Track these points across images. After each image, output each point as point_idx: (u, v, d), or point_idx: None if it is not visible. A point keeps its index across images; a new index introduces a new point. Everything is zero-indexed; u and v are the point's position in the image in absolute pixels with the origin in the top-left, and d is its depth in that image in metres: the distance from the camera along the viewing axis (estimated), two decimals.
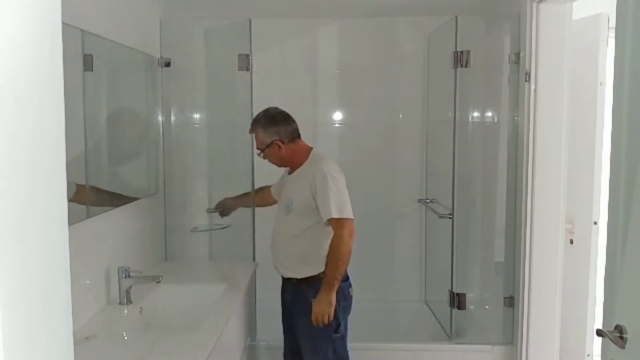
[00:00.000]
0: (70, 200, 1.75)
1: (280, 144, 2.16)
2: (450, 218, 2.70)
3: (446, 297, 2.75)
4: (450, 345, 2.69)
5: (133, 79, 2.47)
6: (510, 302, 2.63)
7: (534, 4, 2.35)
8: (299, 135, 2.22)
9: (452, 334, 2.72)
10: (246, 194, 2.60)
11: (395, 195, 3.28)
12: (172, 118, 2.78)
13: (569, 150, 2.42)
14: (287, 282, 2.26)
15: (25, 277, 0.59)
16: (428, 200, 3.15)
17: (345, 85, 3.20)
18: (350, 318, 2.23)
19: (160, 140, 2.65)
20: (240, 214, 2.66)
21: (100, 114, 2.07)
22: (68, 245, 0.68)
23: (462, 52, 2.61)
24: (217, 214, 2.63)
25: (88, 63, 1.89)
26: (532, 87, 2.39)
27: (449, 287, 2.72)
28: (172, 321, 2.05)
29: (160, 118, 2.64)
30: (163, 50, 2.65)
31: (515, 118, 2.57)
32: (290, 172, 2.27)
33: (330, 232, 2.14)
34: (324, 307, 2.05)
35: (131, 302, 1.97)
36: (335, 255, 2.06)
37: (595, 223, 2.50)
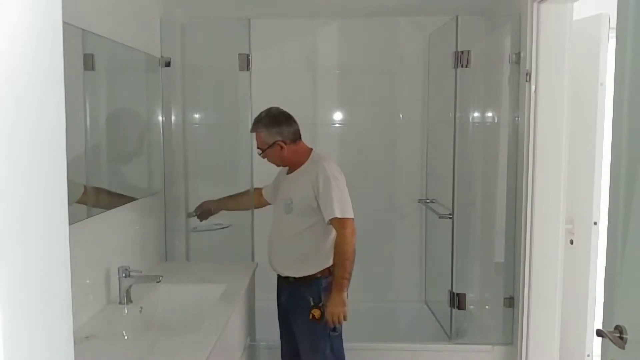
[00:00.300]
0: (77, 202, 1.76)
1: (282, 144, 2.16)
2: (450, 218, 2.70)
3: (446, 297, 2.75)
4: (450, 346, 2.69)
5: (134, 78, 2.47)
6: (510, 302, 2.63)
7: (535, 4, 2.35)
8: (300, 136, 2.23)
9: (452, 334, 2.72)
10: (230, 197, 2.57)
11: (395, 195, 3.28)
12: (173, 118, 2.78)
13: (569, 151, 2.42)
14: (283, 281, 2.27)
15: (25, 277, 0.59)
16: (428, 201, 3.15)
17: (346, 85, 3.20)
18: (348, 317, 2.23)
19: (161, 140, 2.65)
20: (240, 214, 2.66)
21: (101, 113, 2.07)
22: (68, 244, 0.68)
23: (462, 52, 2.61)
24: (217, 214, 2.62)
25: (89, 63, 1.89)
26: (533, 87, 2.39)
27: (449, 287, 2.72)
28: (172, 321, 2.05)
29: (160, 118, 2.64)
30: (163, 50, 2.65)
31: (516, 118, 2.57)
32: (289, 172, 2.28)
33: (329, 232, 2.15)
34: (338, 308, 2.08)
35: (131, 301, 1.97)
36: (341, 255, 2.08)
37: (595, 223, 2.50)
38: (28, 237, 0.60)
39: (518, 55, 2.51)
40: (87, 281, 1.86)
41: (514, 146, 2.59)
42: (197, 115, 2.96)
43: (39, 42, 0.63)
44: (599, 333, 1.31)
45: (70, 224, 0.69)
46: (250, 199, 2.55)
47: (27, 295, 0.60)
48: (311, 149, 2.26)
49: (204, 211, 2.55)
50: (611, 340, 1.26)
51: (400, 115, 3.23)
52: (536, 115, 2.39)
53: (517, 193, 2.54)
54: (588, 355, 2.57)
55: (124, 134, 2.35)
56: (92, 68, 1.93)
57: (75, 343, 0.71)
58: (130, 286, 1.97)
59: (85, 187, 1.85)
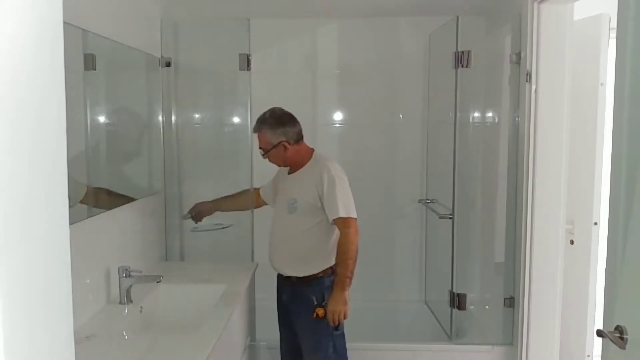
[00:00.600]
0: (80, 202, 1.76)
1: (286, 144, 2.16)
2: (450, 218, 2.70)
3: (446, 298, 2.75)
4: (451, 346, 2.69)
5: (134, 78, 2.47)
6: (511, 302, 2.63)
7: (535, 4, 2.35)
8: (302, 137, 2.23)
9: (452, 334, 2.72)
10: (225, 198, 2.56)
11: (395, 195, 3.28)
12: (173, 118, 2.78)
13: (570, 151, 2.42)
14: (285, 280, 2.27)
15: (26, 277, 0.59)
16: (428, 201, 3.15)
17: (346, 85, 3.21)
18: (349, 317, 2.23)
19: (161, 139, 2.65)
20: (241, 214, 2.66)
21: (102, 113, 2.07)
22: (69, 244, 0.68)
23: (462, 52, 2.61)
24: (216, 214, 2.62)
25: (89, 63, 1.90)
26: (533, 87, 2.39)
27: (449, 288, 2.72)
28: (172, 321, 2.05)
29: (160, 118, 2.64)
30: (164, 50, 2.65)
31: (516, 118, 2.57)
32: (290, 172, 2.28)
33: (332, 231, 2.15)
34: (339, 306, 2.10)
35: (131, 301, 1.97)
36: (344, 254, 2.09)
37: (595, 224, 2.50)
38: (28, 237, 0.60)
39: (518, 55, 2.50)
40: (88, 281, 1.86)
41: (514, 146, 2.59)
42: (197, 115, 2.96)
43: (39, 42, 0.63)
44: (599, 333, 1.31)
45: (70, 223, 0.69)
46: (246, 199, 2.54)
47: (28, 295, 0.60)
48: (313, 149, 2.26)
49: (198, 212, 2.54)
50: (611, 341, 1.26)
51: (401, 116, 3.23)
52: (536, 115, 2.39)
53: (518, 193, 2.54)
54: (588, 356, 2.57)
55: (125, 133, 2.35)
56: (93, 68, 1.93)
57: (75, 343, 0.71)
58: (130, 286, 1.97)
59: (87, 187, 1.85)
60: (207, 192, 2.68)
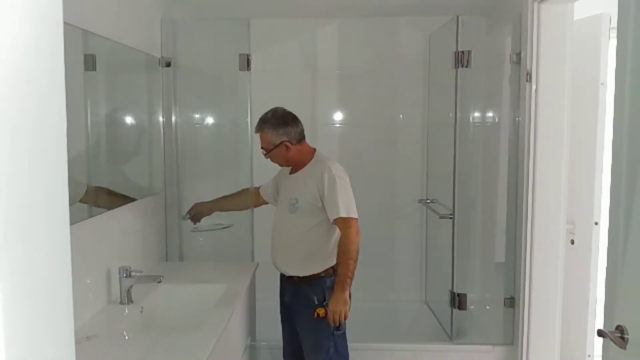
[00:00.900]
0: (80, 201, 1.76)
1: (289, 144, 2.16)
2: (450, 218, 2.70)
3: (447, 298, 2.75)
4: (451, 346, 2.69)
5: (134, 79, 2.47)
6: (511, 302, 2.63)
7: (535, 4, 2.35)
8: (304, 137, 2.23)
9: (453, 334, 2.72)
10: (225, 197, 2.55)
11: (395, 195, 3.28)
12: (173, 118, 2.78)
13: (570, 151, 2.42)
14: (287, 280, 2.27)
15: (27, 277, 0.59)
16: (429, 201, 3.15)
17: (346, 85, 3.20)
18: (349, 317, 2.23)
19: (161, 140, 2.65)
20: (241, 214, 2.66)
21: (102, 113, 2.07)
22: (69, 244, 0.68)
23: (463, 52, 2.61)
24: (216, 214, 2.62)
25: (90, 63, 1.90)
26: (533, 87, 2.39)
27: (450, 288, 2.72)
28: (172, 321, 2.05)
29: (160, 118, 2.64)
30: (164, 50, 2.65)
31: (516, 118, 2.57)
32: (292, 172, 2.28)
33: (333, 231, 2.15)
34: (340, 307, 2.09)
35: (132, 301, 1.97)
36: (345, 254, 2.09)
37: (596, 223, 2.50)
38: (29, 237, 0.60)
39: (519, 55, 2.50)
40: (88, 281, 1.86)
41: (515, 146, 2.59)
42: (197, 115, 2.96)
43: (40, 43, 0.63)
44: (600, 333, 1.30)
45: (71, 224, 0.69)
46: (245, 199, 2.54)
47: (28, 295, 0.60)
48: (314, 149, 2.26)
49: (197, 213, 2.54)
50: (612, 341, 1.25)
51: (401, 116, 3.23)
52: (537, 115, 2.39)
53: (518, 193, 2.54)
54: (589, 356, 2.56)
55: (125, 134, 2.35)
56: (93, 68, 1.93)
57: (76, 343, 0.71)
58: (131, 286, 1.97)
59: (87, 186, 1.85)
60: (207, 192, 2.67)
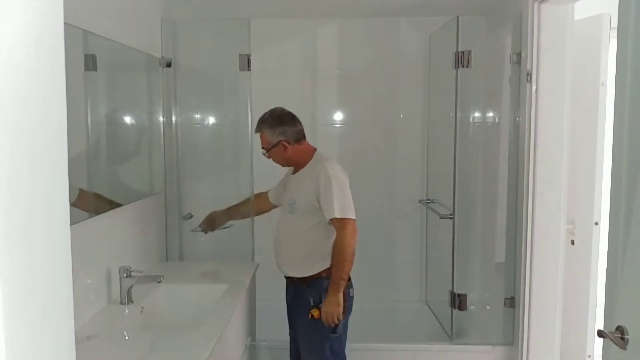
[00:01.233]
0: (71, 204, 1.75)
1: (286, 144, 2.16)
2: (451, 218, 2.70)
3: (447, 298, 2.75)
4: (451, 346, 2.69)
5: (134, 79, 2.47)
6: (511, 302, 2.63)
7: (536, 4, 2.35)
8: (304, 136, 2.23)
9: (453, 335, 2.72)
10: (237, 205, 2.54)
11: (396, 195, 3.28)
12: (173, 118, 2.78)
13: (570, 151, 2.42)
14: (289, 281, 2.27)
15: (27, 277, 0.59)
16: (429, 201, 3.15)
17: (346, 85, 3.21)
18: (350, 318, 2.23)
19: (161, 140, 2.65)
20: None
21: (102, 114, 2.07)
22: (70, 244, 0.68)
23: (463, 52, 2.61)
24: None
25: (90, 63, 1.89)
26: (534, 87, 2.39)
27: (450, 288, 2.72)
28: (172, 321, 2.05)
29: (161, 118, 2.64)
30: (164, 50, 2.66)
31: (517, 118, 2.57)
32: (294, 172, 2.28)
33: (332, 232, 2.14)
34: (333, 308, 2.07)
35: (132, 301, 1.97)
36: (340, 255, 2.07)
37: (596, 223, 2.50)
38: (29, 238, 0.60)
39: (519, 55, 2.50)
40: (88, 281, 1.86)
41: (515, 146, 2.59)
42: (197, 116, 2.96)
43: (40, 43, 0.63)
44: (600, 333, 1.30)
45: (71, 224, 0.69)
46: (258, 205, 2.52)
47: (29, 296, 0.60)
48: (315, 149, 2.26)
49: (211, 221, 2.50)
50: (612, 341, 1.25)
51: (401, 116, 3.23)
52: (537, 115, 2.39)
53: (518, 193, 2.54)
54: (589, 356, 2.56)
55: (125, 134, 2.35)
56: (94, 68, 1.93)
57: (76, 343, 0.71)
58: (131, 286, 1.97)
59: (83, 190, 1.84)
60: (208, 192, 2.68)
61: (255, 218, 2.66)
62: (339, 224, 2.08)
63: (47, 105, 0.64)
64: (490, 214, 2.98)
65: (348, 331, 2.25)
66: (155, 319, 2.01)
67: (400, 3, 2.97)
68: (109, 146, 2.13)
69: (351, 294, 2.20)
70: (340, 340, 2.20)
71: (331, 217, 2.07)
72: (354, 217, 2.10)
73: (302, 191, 2.17)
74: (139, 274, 1.99)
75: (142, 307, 1.96)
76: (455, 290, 2.70)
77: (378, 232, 3.22)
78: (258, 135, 2.22)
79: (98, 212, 1.97)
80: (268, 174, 2.47)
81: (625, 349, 1.23)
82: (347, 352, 2.25)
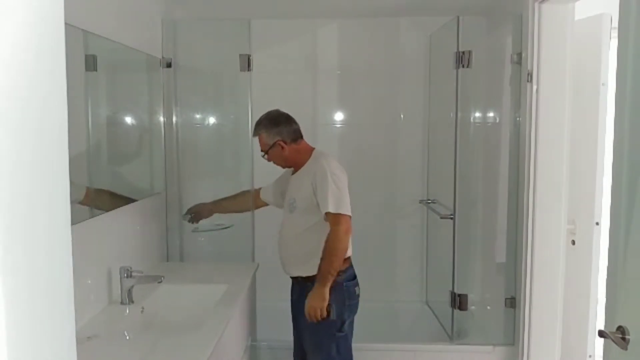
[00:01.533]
0: (79, 203, 1.76)
1: (283, 144, 2.17)
2: (451, 219, 2.70)
3: (447, 298, 2.75)
4: (452, 346, 2.69)
5: (135, 79, 2.47)
6: (512, 302, 2.62)
7: (536, 4, 2.35)
8: (301, 136, 2.23)
9: (453, 335, 2.72)
10: (225, 199, 2.56)
11: (396, 195, 3.28)
12: (174, 118, 2.79)
13: (571, 151, 2.42)
14: (294, 281, 2.28)
15: (28, 277, 0.59)
16: (429, 201, 3.15)
17: (346, 85, 3.21)
18: (355, 317, 2.23)
19: (162, 140, 2.66)
20: (241, 214, 2.65)
21: (103, 114, 2.08)
22: (71, 245, 0.68)
23: (463, 52, 2.61)
24: (218, 215, 2.62)
25: (91, 63, 1.90)
26: (534, 87, 2.39)
27: (450, 288, 2.72)
28: (173, 321, 2.05)
29: (161, 118, 2.64)
30: (164, 50, 2.66)
31: (517, 118, 2.57)
32: (293, 172, 2.28)
33: None
34: (317, 302, 2.05)
35: (133, 302, 1.97)
36: (330, 250, 2.06)
37: (597, 224, 2.50)
38: (30, 238, 0.60)
39: (519, 55, 2.50)
40: (89, 281, 1.86)
41: (516, 146, 2.59)
42: (198, 116, 2.96)
43: (41, 44, 0.63)
44: (601, 334, 1.30)
45: (72, 224, 0.69)
46: (246, 200, 2.54)
47: (30, 296, 0.60)
48: (313, 149, 2.26)
49: (197, 213, 2.54)
50: (613, 341, 1.25)
51: (402, 116, 3.23)
52: (538, 115, 2.39)
53: (519, 193, 2.54)
54: (590, 356, 2.56)
55: (126, 134, 2.35)
56: (94, 69, 1.93)
57: (77, 343, 0.71)
58: (131, 286, 1.97)
59: (87, 188, 1.85)
60: (208, 192, 2.68)
61: (256, 219, 2.66)
62: (333, 219, 2.07)
63: (48, 105, 0.64)
64: (490, 214, 2.98)
65: (354, 330, 2.24)
66: (155, 319, 2.01)
67: (400, 3, 2.97)
68: (109, 146, 2.13)
69: (357, 292, 2.20)
70: (346, 339, 2.19)
71: (325, 210, 2.07)
72: (349, 214, 2.08)
73: (301, 189, 2.17)
74: (139, 274, 2.00)
75: (143, 307, 1.96)
76: (455, 291, 2.70)
77: (379, 232, 3.22)
78: (257, 138, 2.23)
79: (108, 209, 1.98)
80: (268, 174, 2.47)
81: (626, 349, 1.23)
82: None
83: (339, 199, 2.07)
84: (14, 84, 0.57)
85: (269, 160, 2.23)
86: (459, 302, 2.69)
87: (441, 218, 2.79)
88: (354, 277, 2.21)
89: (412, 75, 3.18)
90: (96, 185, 1.97)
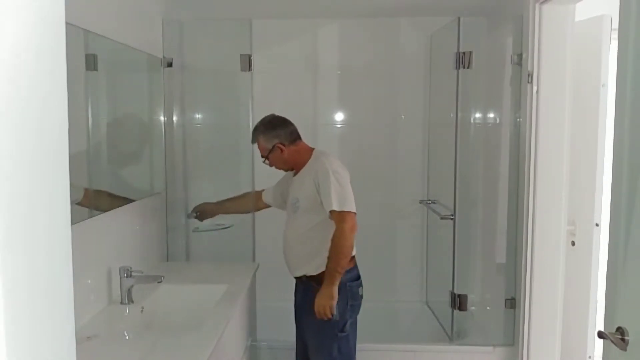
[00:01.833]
0: (77, 204, 1.76)
1: (281, 146, 2.17)
2: (451, 219, 2.70)
3: (447, 298, 2.75)
4: (451, 347, 2.69)
5: (136, 79, 2.47)
6: (512, 303, 2.62)
7: (537, 5, 2.35)
8: (299, 137, 2.23)
9: (453, 335, 2.72)
10: (229, 200, 2.57)
11: (396, 196, 3.28)
12: (174, 118, 2.79)
13: (571, 152, 2.42)
14: (298, 281, 2.28)
15: (28, 277, 0.59)
16: (430, 201, 3.15)
17: (347, 85, 3.21)
18: (358, 318, 2.23)
19: (162, 140, 2.66)
20: (242, 215, 2.66)
21: (103, 114, 2.08)
22: (70, 244, 0.68)
23: (464, 53, 2.61)
24: (219, 216, 2.62)
25: (91, 63, 1.90)
26: (535, 88, 2.39)
27: (450, 288, 2.72)
28: (173, 321, 2.05)
29: (162, 118, 2.64)
30: (165, 50, 2.66)
31: (517, 119, 2.57)
32: (295, 174, 2.29)
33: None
34: (325, 300, 2.06)
35: (132, 301, 1.97)
36: (337, 248, 2.06)
37: (597, 225, 2.50)
38: (30, 237, 0.60)
39: (520, 56, 2.50)
40: (89, 281, 1.86)
41: (516, 147, 2.59)
42: (198, 116, 2.96)
43: (41, 43, 0.63)
44: (601, 334, 1.30)
45: (72, 224, 0.69)
46: (249, 202, 2.54)
47: (30, 296, 0.60)
48: (313, 149, 2.26)
49: (202, 212, 2.56)
50: (613, 342, 1.25)
51: (402, 116, 3.23)
52: (538, 116, 2.39)
53: (519, 194, 2.54)
54: (589, 357, 2.56)
55: (126, 134, 2.35)
56: (95, 68, 1.93)
57: (77, 343, 0.71)
58: (131, 286, 1.97)
59: (85, 189, 1.85)
60: (209, 193, 2.68)
61: (256, 219, 2.66)
62: (338, 216, 2.07)
63: (48, 104, 0.64)
64: (491, 215, 2.98)
65: (357, 330, 2.24)
66: (155, 319, 2.01)
67: (401, 3, 2.97)
68: (109, 146, 2.13)
69: (360, 293, 2.20)
70: (348, 340, 2.19)
71: (329, 209, 2.07)
72: (354, 211, 2.08)
73: (303, 189, 2.17)
74: (139, 274, 2.00)
75: (143, 307, 1.96)
76: (455, 291, 2.70)
77: (379, 233, 3.22)
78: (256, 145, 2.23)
79: (105, 210, 1.98)
80: (269, 174, 2.47)
81: (625, 350, 1.23)
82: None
83: (342, 196, 2.08)
84: (15, 83, 0.57)
85: (270, 165, 2.24)
86: (459, 302, 2.69)
87: (441, 218, 2.79)
88: (358, 277, 2.21)
89: (413, 76, 3.18)
90: (95, 186, 1.97)
